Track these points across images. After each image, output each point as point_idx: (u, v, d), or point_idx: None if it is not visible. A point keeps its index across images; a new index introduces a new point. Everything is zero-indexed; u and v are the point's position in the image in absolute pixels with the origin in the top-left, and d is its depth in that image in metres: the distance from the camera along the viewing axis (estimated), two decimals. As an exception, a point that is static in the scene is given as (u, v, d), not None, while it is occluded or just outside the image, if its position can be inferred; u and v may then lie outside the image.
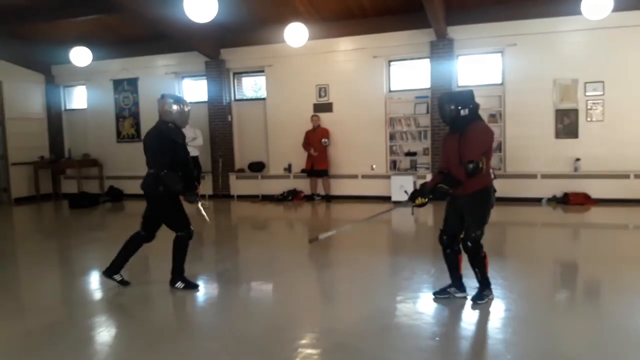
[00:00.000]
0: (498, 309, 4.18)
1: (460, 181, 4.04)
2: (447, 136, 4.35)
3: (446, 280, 4.44)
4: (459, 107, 4.08)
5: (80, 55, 10.56)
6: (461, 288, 4.39)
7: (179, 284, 4.84)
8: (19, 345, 3.71)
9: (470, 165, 3.92)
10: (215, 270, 5.88)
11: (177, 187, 4.59)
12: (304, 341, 3.63)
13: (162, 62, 12.58)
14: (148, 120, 12.67)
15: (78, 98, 13.85)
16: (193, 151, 10.21)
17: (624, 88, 9.44)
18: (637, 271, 5.13)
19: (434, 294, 4.44)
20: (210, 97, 12.07)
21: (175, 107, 4.73)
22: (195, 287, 4.89)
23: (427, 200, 4.21)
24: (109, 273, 4.89)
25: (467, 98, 4.16)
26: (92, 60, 10.90)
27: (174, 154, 4.69)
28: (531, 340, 3.46)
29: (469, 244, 4.11)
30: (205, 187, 11.73)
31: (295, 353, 3.41)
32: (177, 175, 4.64)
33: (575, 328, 3.71)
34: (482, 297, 4.22)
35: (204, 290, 4.92)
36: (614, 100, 9.51)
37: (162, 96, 4.84)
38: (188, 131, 10.21)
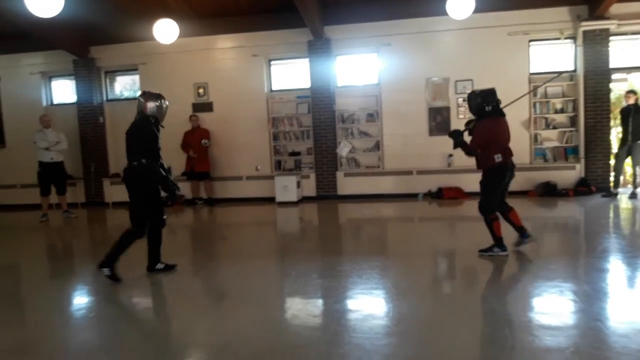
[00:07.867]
0: (373, 304, 4.10)
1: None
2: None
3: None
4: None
5: None
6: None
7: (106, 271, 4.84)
8: None
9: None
10: (85, 285, 5.32)
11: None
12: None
13: (27, 62, 11.56)
14: (13, 125, 11.61)
15: None
16: (57, 156, 9.43)
17: (490, 85, 9.91)
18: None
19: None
20: (80, 97, 11.26)
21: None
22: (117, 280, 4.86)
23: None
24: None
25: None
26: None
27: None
28: (413, 335, 3.40)
29: None
30: (76, 194, 10.91)
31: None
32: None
33: (454, 315, 3.68)
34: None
35: (77, 307, 4.42)
36: (481, 98, 9.99)
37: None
38: (51, 135, 9.48)
